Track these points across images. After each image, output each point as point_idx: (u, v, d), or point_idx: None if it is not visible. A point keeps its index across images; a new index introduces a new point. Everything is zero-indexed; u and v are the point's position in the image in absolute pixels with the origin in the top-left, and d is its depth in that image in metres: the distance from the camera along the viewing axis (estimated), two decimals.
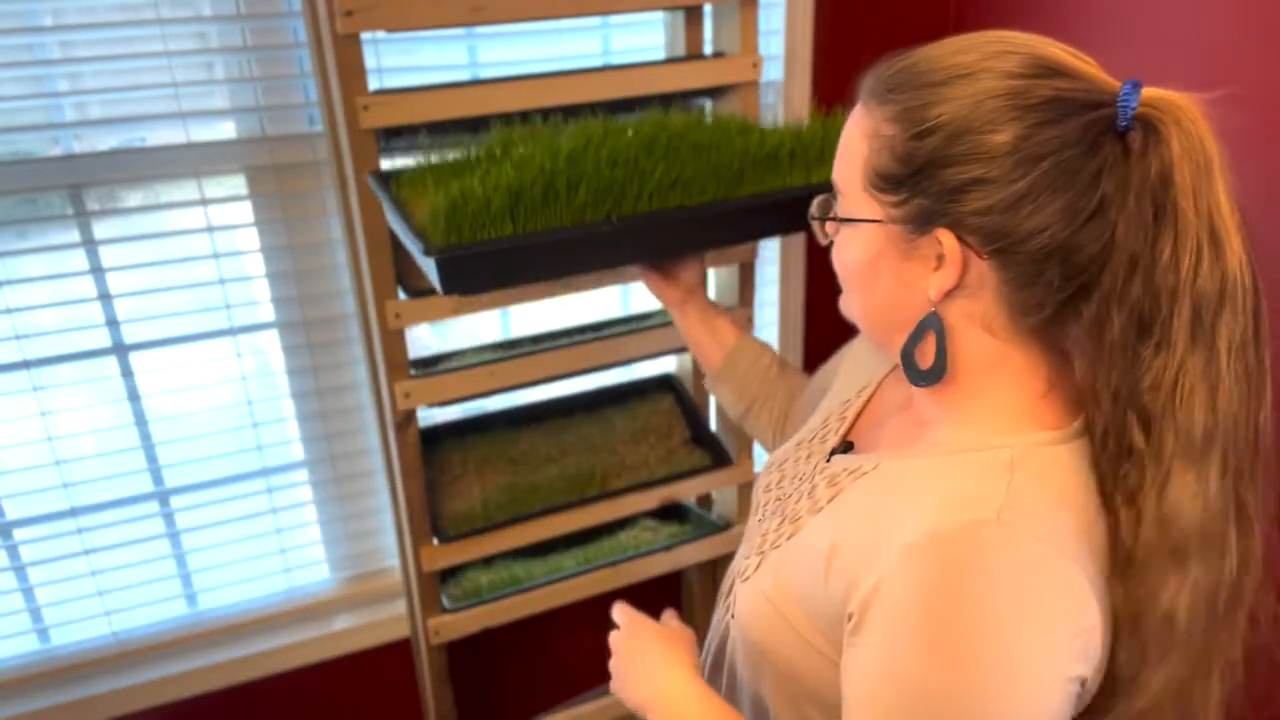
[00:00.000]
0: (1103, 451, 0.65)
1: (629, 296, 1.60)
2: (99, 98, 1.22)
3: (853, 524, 0.70)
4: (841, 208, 0.72)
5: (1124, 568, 0.63)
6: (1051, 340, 0.69)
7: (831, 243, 0.75)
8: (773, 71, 1.55)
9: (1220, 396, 0.61)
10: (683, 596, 1.79)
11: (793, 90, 1.57)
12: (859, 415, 0.86)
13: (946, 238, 0.65)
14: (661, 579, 1.61)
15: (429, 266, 0.95)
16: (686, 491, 1.46)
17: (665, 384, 1.55)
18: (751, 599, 0.77)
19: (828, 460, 0.80)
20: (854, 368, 0.94)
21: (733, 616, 0.81)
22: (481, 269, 0.97)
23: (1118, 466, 0.64)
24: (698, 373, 1.54)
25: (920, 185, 0.65)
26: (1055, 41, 0.67)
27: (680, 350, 1.44)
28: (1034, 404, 0.68)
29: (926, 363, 0.70)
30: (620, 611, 0.90)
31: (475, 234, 0.95)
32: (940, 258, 0.66)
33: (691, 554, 1.49)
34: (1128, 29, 1.27)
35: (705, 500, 1.62)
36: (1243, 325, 0.61)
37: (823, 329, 1.75)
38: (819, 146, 1.15)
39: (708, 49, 1.38)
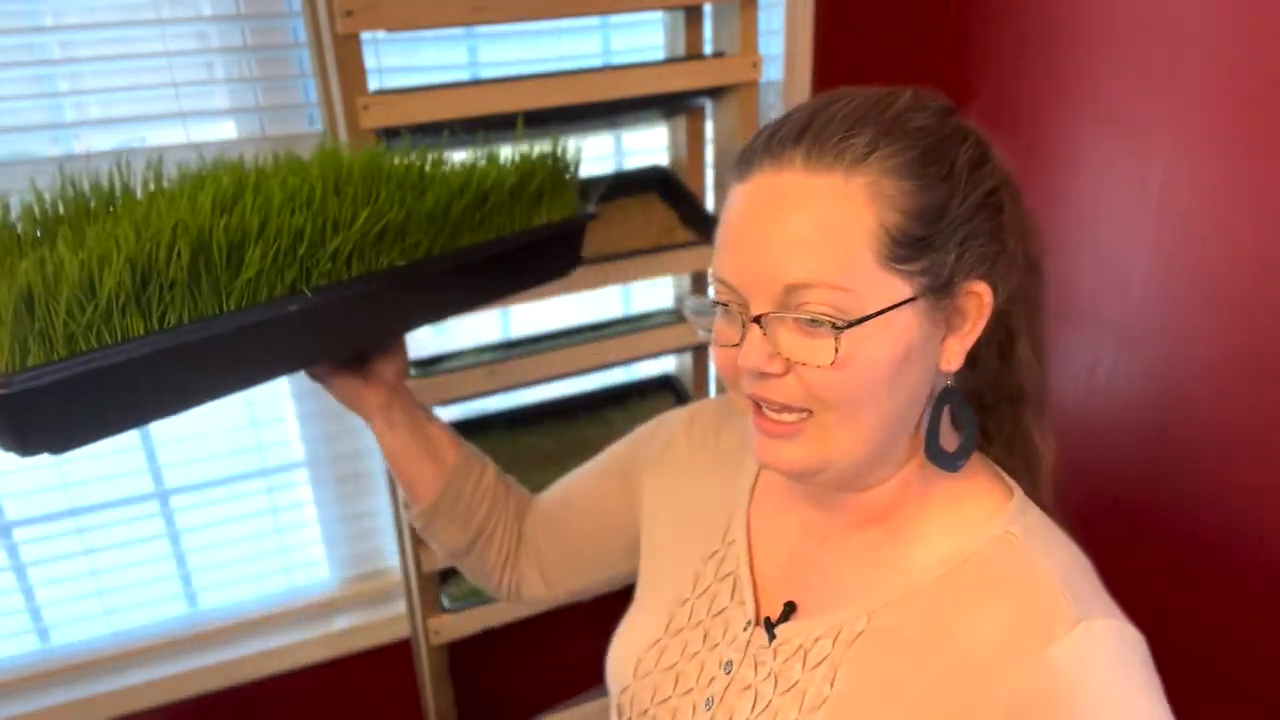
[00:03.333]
0: (1001, 448, 0.70)
1: (629, 296, 1.60)
2: (99, 98, 1.22)
3: (900, 692, 0.59)
4: (849, 303, 0.55)
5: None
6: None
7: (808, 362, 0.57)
8: (773, 71, 1.55)
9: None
10: None
11: (793, 90, 1.57)
12: (751, 562, 0.71)
13: (982, 288, 0.59)
14: None
15: None
16: None
17: (665, 384, 1.55)
18: None
19: (770, 636, 0.66)
20: (676, 506, 0.79)
21: None
22: (94, 403, 0.62)
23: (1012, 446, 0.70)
24: (698, 372, 1.54)
25: (948, 239, 0.57)
26: None
27: (680, 350, 1.44)
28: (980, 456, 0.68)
29: (950, 445, 0.63)
30: None
31: (72, 343, 0.58)
32: (962, 315, 0.59)
33: None
34: (1127, 27, 1.27)
35: None
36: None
37: None
38: (535, 182, 0.91)
39: (708, 49, 1.38)
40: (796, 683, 0.63)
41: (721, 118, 1.37)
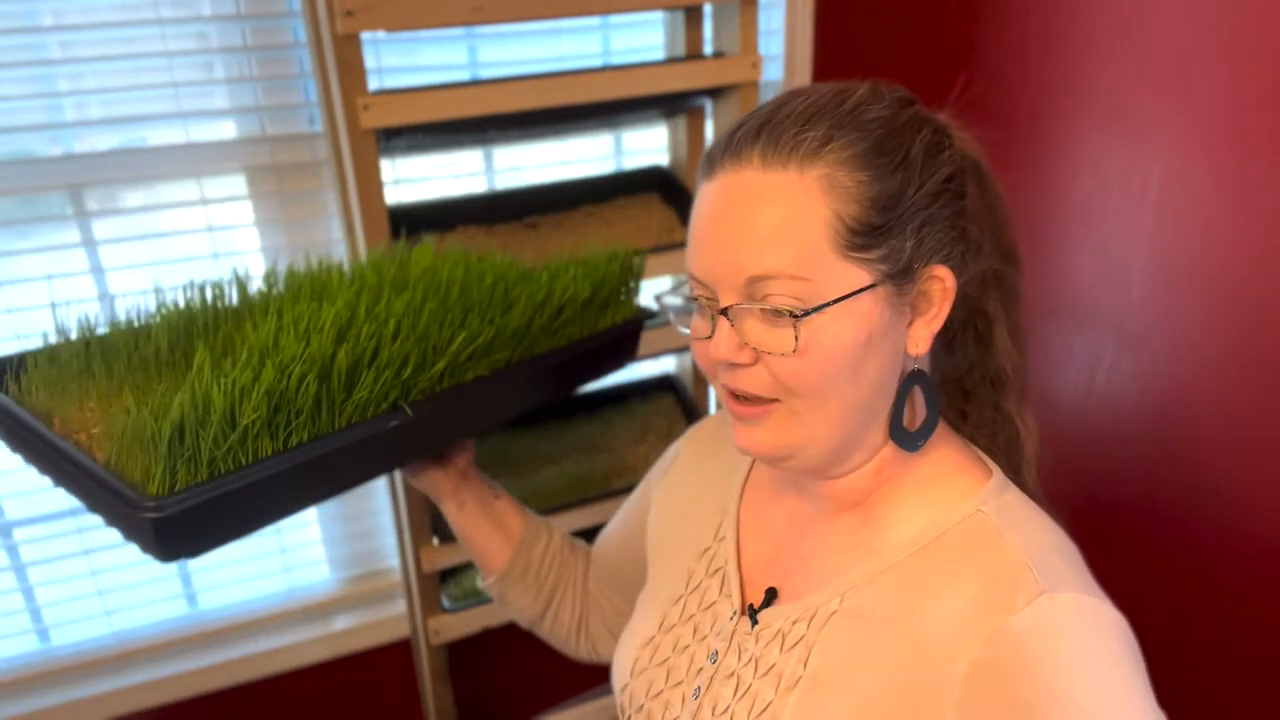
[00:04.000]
0: (984, 433, 0.71)
1: None
2: (99, 98, 1.22)
3: (868, 669, 0.61)
4: (809, 292, 0.57)
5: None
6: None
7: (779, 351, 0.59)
8: (773, 71, 1.55)
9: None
10: None
11: None
12: (739, 556, 0.73)
13: (943, 272, 0.60)
14: None
15: (139, 528, 0.63)
16: None
17: (665, 384, 1.55)
18: None
19: (753, 621, 0.68)
20: (676, 511, 0.82)
21: None
22: (228, 515, 0.68)
23: (994, 433, 0.71)
24: (698, 373, 1.54)
25: (905, 225, 0.58)
26: None
27: (680, 350, 1.44)
28: (950, 432, 0.69)
29: (914, 425, 0.64)
30: None
31: (213, 467, 0.64)
32: (927, 300, 0.61)
33: None
34: (1126, 26, 1.27)
35: None
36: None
37: None
38: (605, 291, 0.94)
39: (708, 49, 1.38)
40: (774, 665, 0.64)
41: (721, 118, 1.37)
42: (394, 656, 1.59)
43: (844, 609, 0.63)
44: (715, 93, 1.35)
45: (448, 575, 1.42)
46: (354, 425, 0.72)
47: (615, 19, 1.46)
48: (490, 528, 0.91)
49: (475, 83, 1.16)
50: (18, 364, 0.75)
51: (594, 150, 1.52)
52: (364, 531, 1.56)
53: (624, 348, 1.00)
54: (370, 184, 1.12)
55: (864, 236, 0.57)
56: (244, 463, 0.66)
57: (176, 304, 0.80)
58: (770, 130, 0.58)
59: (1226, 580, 1.28)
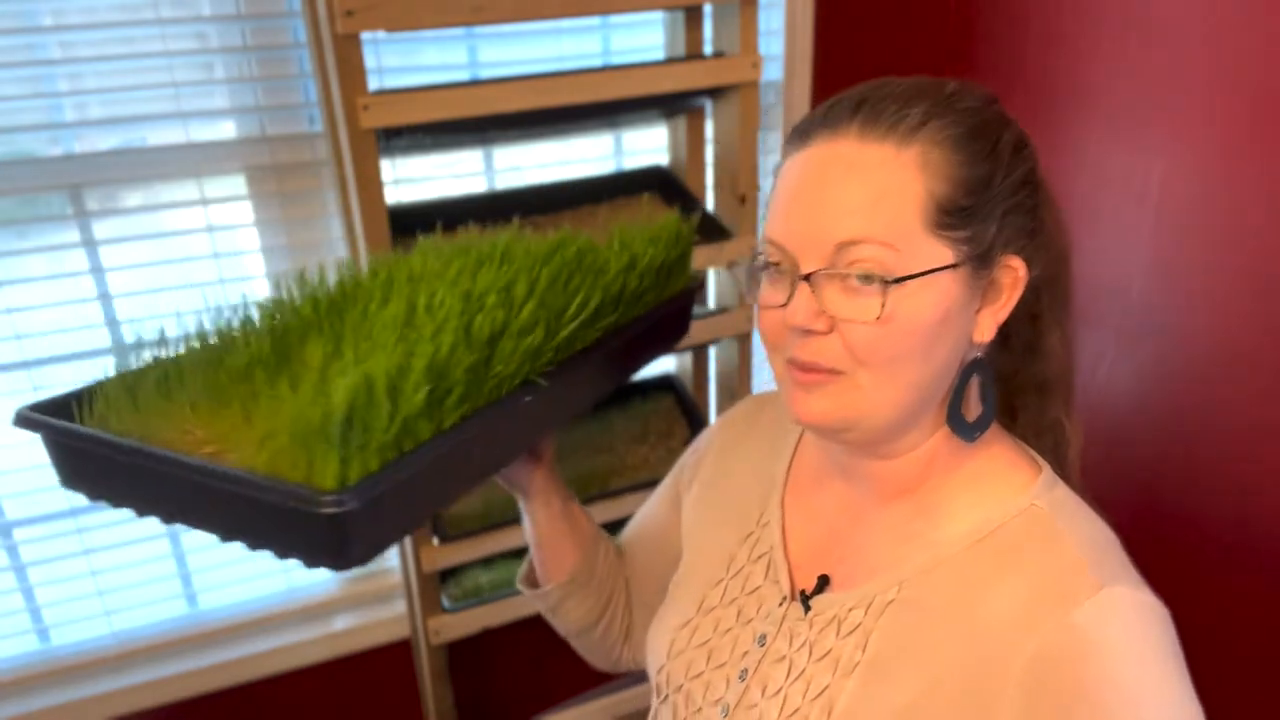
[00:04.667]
0: (1030, 431, 0.72)
1: None
2: (99, 98, 1.22)
3: (926, 657, 0.61)
4: (896, 262, 0.58)
5: None
6: None
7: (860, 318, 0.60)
8: (773, 71, 1.55)
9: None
10: None
11: (793, 90, 1.57)
12: (785, 542, 0.74)
13: (1017, 262, 0.62)
14: None
15: (317, 531, 0.57)
16: None
17: (665, 384, 1.55)
18: None
19: (806, 608, 0.68)
20: (714, 496, 0.82)
21: None
22: (405, 506, 0.63)
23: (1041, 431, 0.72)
24: (698, 372, 1.54)
25: (989, 213, 0.60)
26: None
27: (680, 350, 1.44)
28: (1000, 428, 0.69)
29: (971, 415, 0.65)
30: None
31: (383, 455, 0.59)
32: (997, 289, 0.63)
33: None
34: (1126, 27, 1.27)
35: None
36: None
37: None
38: (675, 255, 0.93)
39: (708, 49, 1.38)
40: (830, 650, 0.65)
41: (721, 118, 1.37)
42: (394, 656, 1.59)
43: (901, 599, 0.64)
44: (715, 93, 1.35)
45: (448, 575, 1.42)
46: (505, 397, 0.68)
47: (615, 19, 1.46)
48: (568, 530, 0.87)
49: (475, 83, 1.16)
50: (87, 397, 0.67)
51: (594, 150, 1.52)
52: None
53: (686, 315, 0.97)
54: (370, 184, 1.12)
55: (953, 216, 0.59)
56: (406, 449, 0.60)
57: (252, 312, 0.76)
58: (870, 106, 0.60)
59: (1228, 578, 1.28)
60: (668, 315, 0.89)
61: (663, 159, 1.51)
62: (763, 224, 0.65)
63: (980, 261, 0.61)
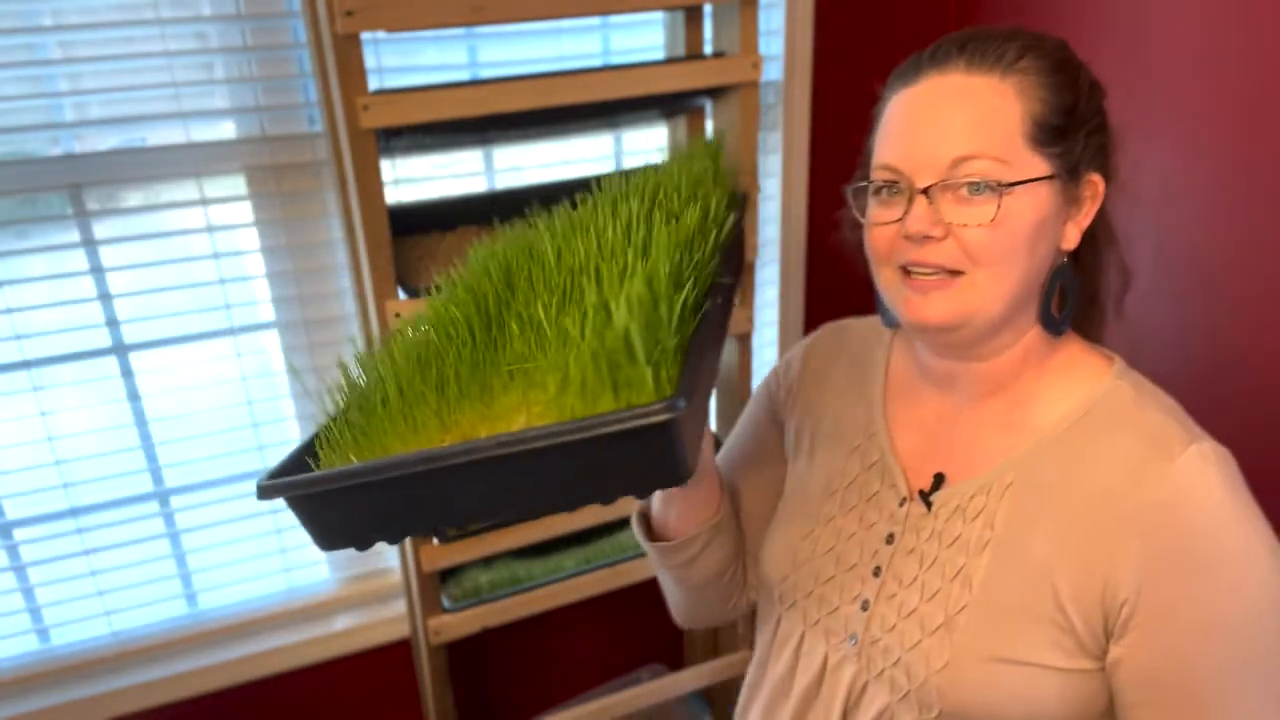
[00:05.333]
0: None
1: None
2: (99, 98, 1.22)
3: (1049, 523, 0.70)
4: (1005, 173, 0.68)
5: None
6: None
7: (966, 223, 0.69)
8: (773, 71, 1.55)
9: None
10: None
11: (793, 90, 1.57)
12: (895, 450, 0.81)
13: (1097, 179, 0.72)
14: None
15: (650, 450, 0.55)
16: None
17: None
18: (982, 673, 0.70)
19: (927, 505, 0.77)
20: (815, 415, 0.87)
21: (939, 714, 0.72)
22: (699, 409, 0.61)
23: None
24: None
25: (1076, 133, 0.70)
26: None
27: None
28: (1072, 331, 0.78)
29: (1057, 313, 0.75)
30: None
31: (671, 359, 0.59)
32: (1079, 204, 0.72)
33: None
34: (1125, 27, 1.27)
35: None
36: None
37: None
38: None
39: (708, 49, 1.38)
40: (959, 535, 0.74)
41: (721, 118, 1.38)
42: (394, 656, 1.59)
43: (1018, 480, 0.73)
44: (715, 93, 1.35)
45: (448, 575, 1.42)
46: (712, 301, 0.68)
47: (615, 19, 1.46)
48: (710, 468, 0.85)
49: (475, 83, 1.16)
50: (310, 451, 0.63)
51: (594, 150, 1.52)
52: None
53: (740, 232, 0.97)
54: (370, 184, 1.13)
55: (1047, 134, 0.69)
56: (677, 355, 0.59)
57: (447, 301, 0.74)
58: (974, 45, 0.70)
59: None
60: (737, 223, 0.91)
61: (663, 159, 1.51)
62: (878, 151, 0.73)
63: (1069, 175, 0.70)
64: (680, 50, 1.37)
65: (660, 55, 1.43)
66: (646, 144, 1.53)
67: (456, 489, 0.57)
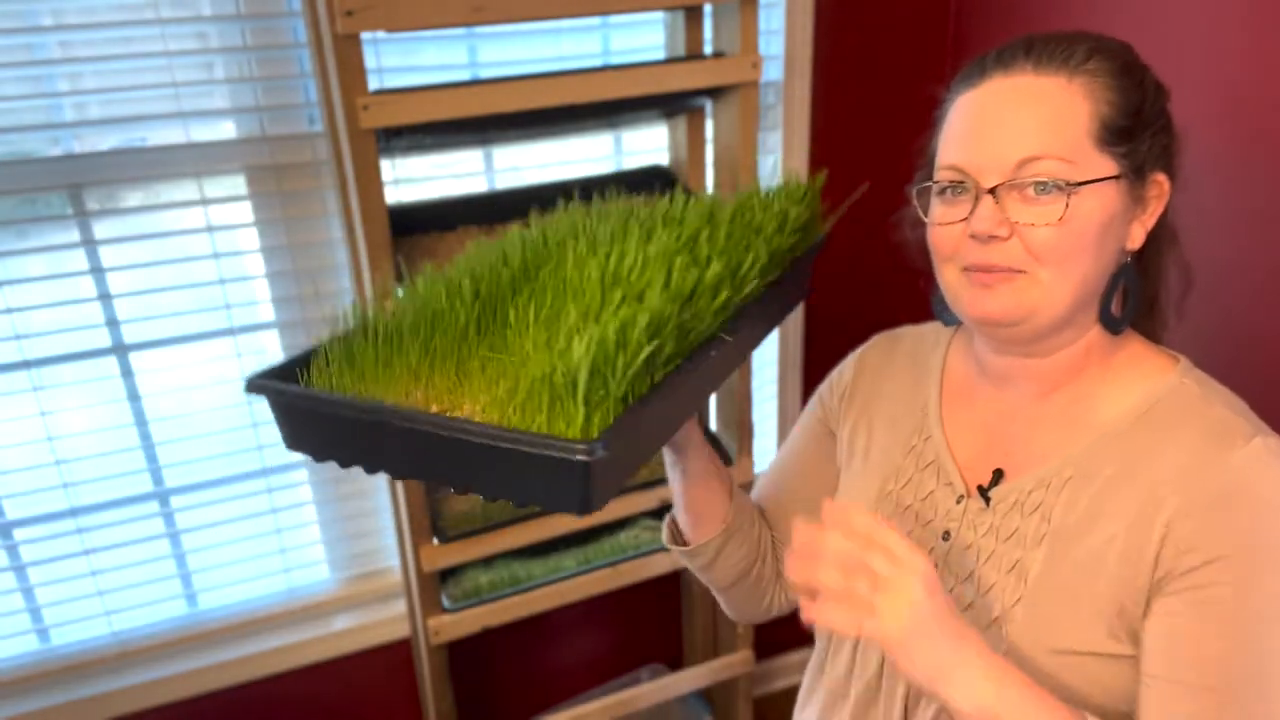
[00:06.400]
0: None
1: None
2: (99, 98, 1.22)
3: (1106, 517, 0.70)
4: (1072, 173, 0.68)
5: None
6: None
7: (1036, 224, 0.68)
8: (773, 71, 1.55)
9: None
10: (682, 597, 1.79)
11: (793, 90, 1.57)
12: (950, 450, 0.81)
13: (1162, 179, 0.72)
14: (661, 579, 1.61)
15: (570, 479, 0.59)
16: None
17: None
18: (1041, 665, 0.70)
19: (986, 501, 0.76)
20: (869, 419, 0.88)
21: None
22: (631, 453, 0.66)
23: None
24: None
25: (1142, 134, 0.70)
26: None
27: None
28: (1134, 331, 0.78)
29: (1118, 312, 0.74)
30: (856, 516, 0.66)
31: (617, 406, 0.62)
32: (1144, 204, 0.72)
33: None
34: (1125, 27, 1.27)
35: None
36: None
37: (824, 330, 1.75)
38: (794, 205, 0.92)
39: (708, 49, 1.38)
40: (1016, 529, 0.74)
41: (721, 118, 1.38)
42: (394, 656, 1.59)
43: (1077, 475, 0.72)
44: (715, 92, 1.35)
45: (448, 575, 1.42)
46: (700, 349, 0.70)
47: (615, 19, 1.46)
48: (717, 478, 0.88)
49: (475, 83, 1.17)
50: (305, 363, 0.71)
51: (594, 150, 1.52)
52: (364, 531, 1.56)
53: (811, 270, 0.97)
54: (370, 184, 1.13)
55: (1114, 134, 0.69)
56: (628, 402, 0.63)
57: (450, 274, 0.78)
58: (1040, 46, 0.71)
59: None
60: (802, 269, 0.91)
61: (663, 159, 1.51)
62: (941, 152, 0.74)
63: (1135, 175, 0.70)
64: (680, 50, 1.37)
65: (660, 55, 1.43)
66: (646, 144, 1.53)
67: (396, 445, 0.64)
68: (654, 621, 1.81)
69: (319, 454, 0.70)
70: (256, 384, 0.69)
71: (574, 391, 0.60)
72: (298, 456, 1.47)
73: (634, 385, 0.63)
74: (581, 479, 0.59)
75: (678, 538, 0.92)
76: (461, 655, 1.63)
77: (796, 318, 1.73)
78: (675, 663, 1.83)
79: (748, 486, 1.50)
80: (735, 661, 1.64)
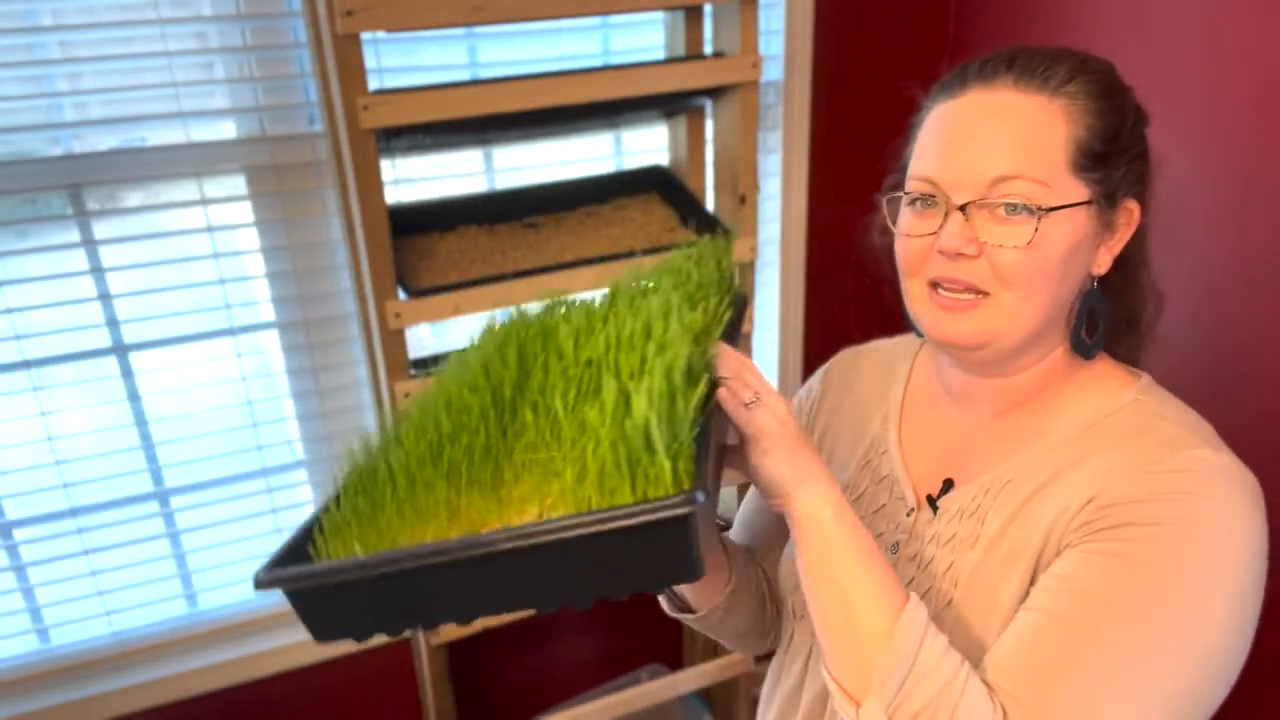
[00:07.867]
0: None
1: None
2: (99, 98, 1.22)
3: (1032, 518, 0.69)
4: (1045, 195, 0.67)
5: None
6: None
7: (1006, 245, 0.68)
8: (773, 71, 1.55)
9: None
10: None
11: (793, 90, 1.57)
12: (905, 464, 0.81)
13: (1133, 205, 0.71)
14: None
15: (667, 542, 0.54)
16: None
17: None
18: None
19: (934, 510, 0.76)
20: (832, 435, 0.88)
21: None
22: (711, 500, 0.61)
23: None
24: None
25: (1118, 160, 0.69)
26: None
27: None
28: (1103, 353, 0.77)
29: (1088, 338, 0.74)
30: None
31: (687, 450, 0.58)
32: (1113, 229, 0.71)
33: None
34: (1125, 27, 1.27)
35: None
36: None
37: (823, 332, 1.75)
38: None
39: (708, 49, 1.38)
40: (955, 534, 0.74)
41: (721, 118, 1.38)
42: (394, 657, 1.59)
43: (1016, 479, 0.72)
44: (715, 92, 1.35)
45: None
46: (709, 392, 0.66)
47: (615, 19, 1.46)
48: (718, 541, 0.87)
49: (475, 83, 1.17)
50: (312, 539, 0.61)
51: (594, 150, 1.52)
52: None
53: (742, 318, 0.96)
54: (370, 184, 1.13)
55: (1090, 159, 0.68)
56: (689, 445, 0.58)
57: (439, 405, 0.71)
58: (1022, 61, 0.69)
59: None
60: (737, 320, 0.90)
61: (663, 159, 1.51)
62: (914, 162, 0.72)
63: (1107, 201, 0.69)
64: (680, 50, 1.37)
65: (660, 55, 1.43)
66: (646, 144, 1.53)
67: (454, 585, 0.55)
68: (654, 621, 1.81)
69: (360, 631, 0.58)
70: (266, 579, 0.57)
71: (651, 446, 0.55)
72: (298, 456, 1.47)
73: (695, 428, 0.58)
74: (689, 535, 0.53)
75: (682, 605, 0.89)
76: (461, 655, 1.63)
77: (797, 319, 1.73)
78: (675, 663, 1.83)
79: (745, 485, 1.50)
80: (735, 661, 1.64)
